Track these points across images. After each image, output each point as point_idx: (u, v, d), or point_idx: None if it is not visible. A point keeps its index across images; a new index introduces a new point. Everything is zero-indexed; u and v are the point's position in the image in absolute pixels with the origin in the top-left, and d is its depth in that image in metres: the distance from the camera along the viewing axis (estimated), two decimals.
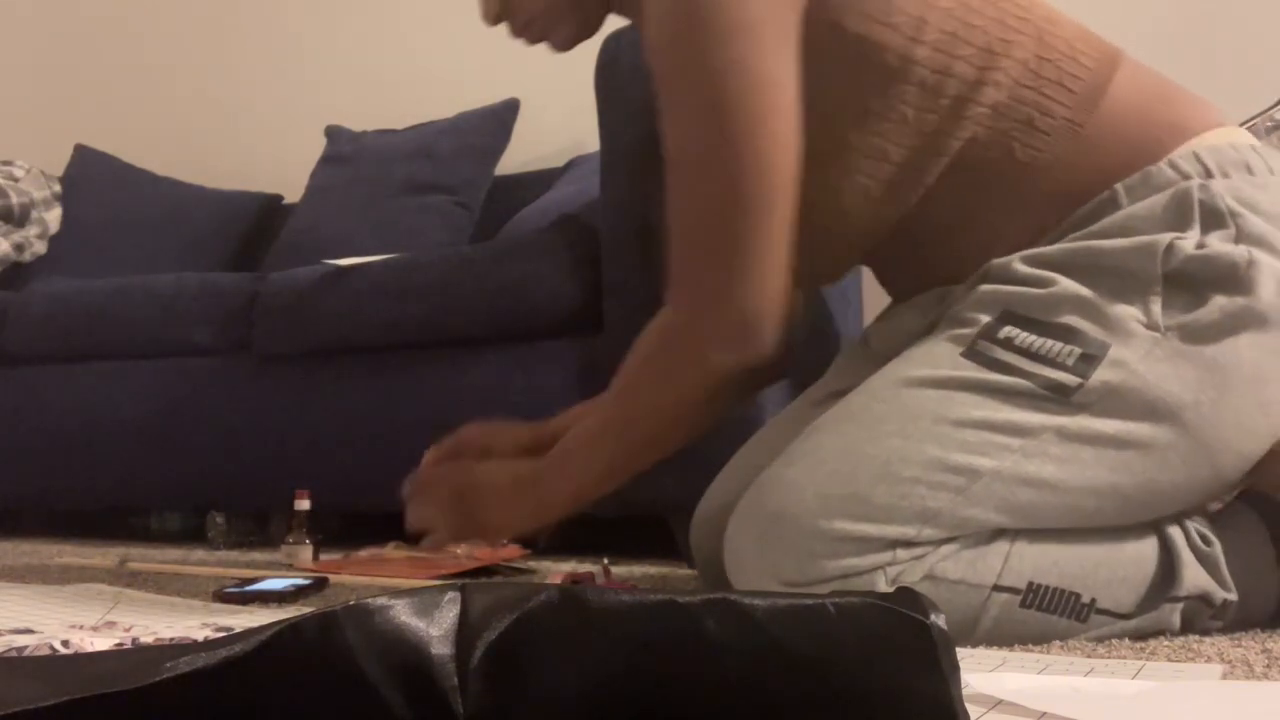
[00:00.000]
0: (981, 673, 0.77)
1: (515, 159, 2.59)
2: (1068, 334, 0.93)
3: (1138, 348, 0.92)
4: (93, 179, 2.89)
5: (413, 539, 1.18)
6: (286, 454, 1.95)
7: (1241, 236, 0.93)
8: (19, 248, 2.69)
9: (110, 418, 2.10)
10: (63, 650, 0.85)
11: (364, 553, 1.62)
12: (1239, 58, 2.09)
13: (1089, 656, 0.86)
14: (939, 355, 0.96)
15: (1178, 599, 0.93)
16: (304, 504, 1.67)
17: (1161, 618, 0.93)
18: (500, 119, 2.56)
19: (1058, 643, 0.91)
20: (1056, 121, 0.99)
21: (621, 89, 1.61)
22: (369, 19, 2.95)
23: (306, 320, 1.94)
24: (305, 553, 1.64)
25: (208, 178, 2.91)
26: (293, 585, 1.26)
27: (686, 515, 1.28)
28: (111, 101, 3.23)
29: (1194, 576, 0.94)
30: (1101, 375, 0.91)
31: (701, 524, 1.22)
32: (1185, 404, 0.92)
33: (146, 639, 0.91)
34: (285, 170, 2.83)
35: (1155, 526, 0.96)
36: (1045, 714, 0.64)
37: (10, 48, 3.38)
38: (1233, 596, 0.95)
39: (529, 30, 1.16)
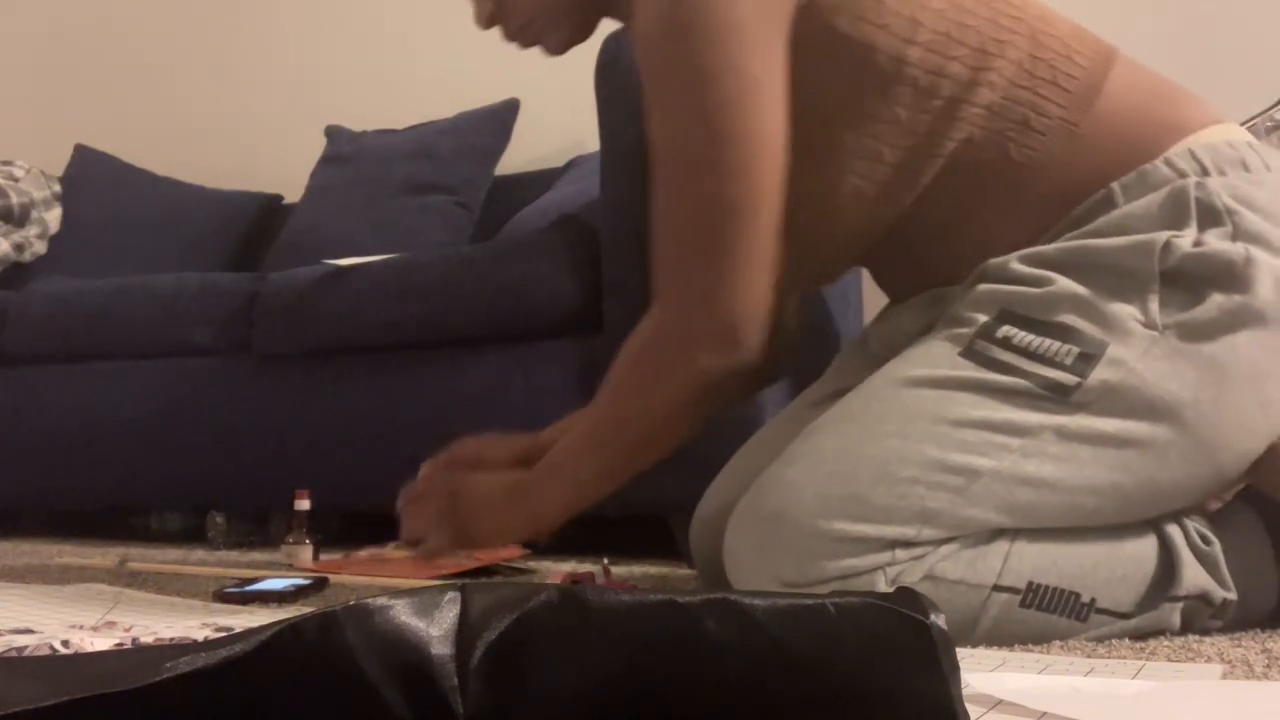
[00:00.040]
0: (981, 673, 0.77)
1: (515, 159, 2.59)
2: (1066, 333, 0.93)
3: (1136, 346, 0.92)
4: (93, 179, 2.89)
5: (408, 548, 1.19)
6: (286, 454, 1.95)
7: (1239, 234, 0.93)
8: (19, 248, 2.69)
9: (110, 418, 2.10)
10: (63, 650, 0.85)
11: (364, 553, 1.62)
12: (1239, 58, 2.09)
13: (1089, 656, 0.86)
14: (937, 355, 0.96)
15: (1177, 598, 0.94)
16: (304, 504, 1.67)
17: (1161, 617, 0.93)
18: (500, 119, 2.56)
19: (1058, 643, 0.91)
20: (1051, 121, 0.99)
21: (621, 89, 1.61)
22: (369, 19, 2.95)
23: (306, 320, 1.94)
24: (305, 553, 1.64)
25: (208, 178, 2.91)
26: (293, 585, 1.27)
27: (686, 515, 1.28)
28: (111, 101, 3.23)
29: (1193, 576, 0.94)
30: (1100, 374, 0.91)
31: (701, 524, 1.22)
32: (1184, 402, 0.92)
33: (146, 639, 0.91)
34: (285, 170, 2.83)
35: (1154, 526, 0.96)
36: (1045, 714, 0.64)
37: (10, 48, 3.38)
38: (1232, 595, 0.95)
39: (523, 34, 1.15)
